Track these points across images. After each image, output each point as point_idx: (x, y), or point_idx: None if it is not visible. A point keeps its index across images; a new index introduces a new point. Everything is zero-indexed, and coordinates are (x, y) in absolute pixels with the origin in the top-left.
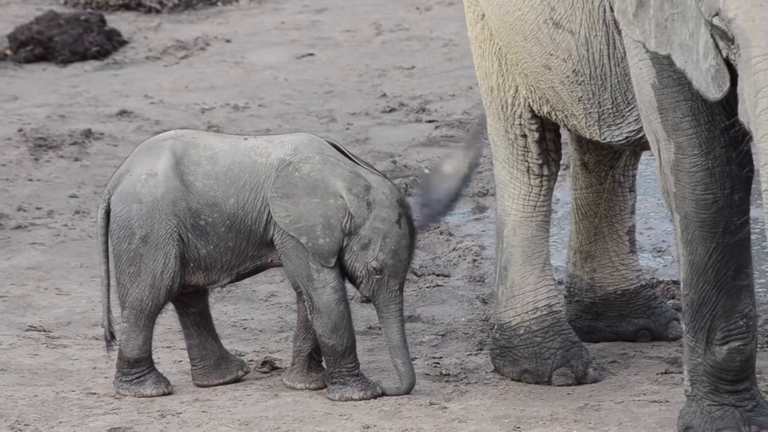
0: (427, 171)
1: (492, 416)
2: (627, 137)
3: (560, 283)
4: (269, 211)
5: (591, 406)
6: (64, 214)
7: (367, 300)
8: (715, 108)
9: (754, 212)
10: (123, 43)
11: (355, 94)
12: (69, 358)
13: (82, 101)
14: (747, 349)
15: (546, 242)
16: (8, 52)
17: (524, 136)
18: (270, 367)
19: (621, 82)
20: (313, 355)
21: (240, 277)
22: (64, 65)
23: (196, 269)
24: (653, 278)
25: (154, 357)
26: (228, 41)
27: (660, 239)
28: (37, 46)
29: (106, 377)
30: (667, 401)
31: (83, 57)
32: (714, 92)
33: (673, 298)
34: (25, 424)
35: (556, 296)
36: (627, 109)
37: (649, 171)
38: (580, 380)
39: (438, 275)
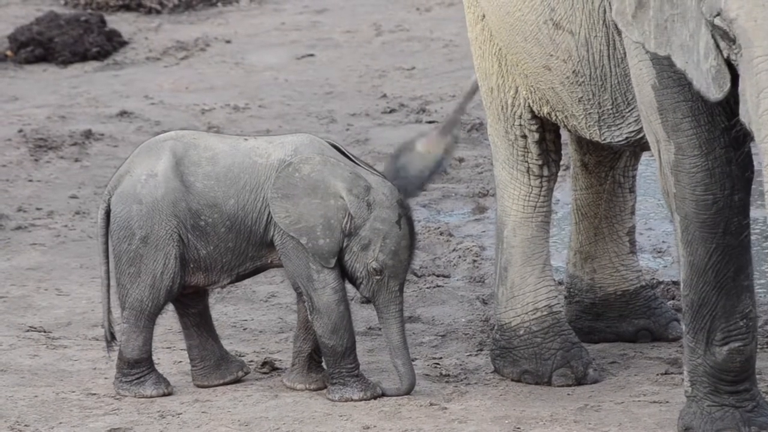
0: (399, 149)
1: (492, 417)
2: (627, 138)
3: (560, 283)
4: (269, 212)
5: (591, 407)
6: (64, 214)
7: (367, 301)
8: (715, 109)
9: (754, 213)
10: (123, 43)
11: (355, 95)
12: (69, 359)
13: (82, 102)
14: (747, 350)
15: (546, 243)
16: (8, 52)
17: (524, 136)
18: (270, 367)
19: (621, 82)
20: (313, 355)
21: (240, 278)
22: (65, 66)
23: (196, 270)
24: (653, 279)
25: (154, 357)
26: (228, 42)
27: (660, 240)
28: (38, 47)
29: (106, 378)
30: (667, 402)
31: (83, 58)
32: (715, 93)
33: (673, 299)
34: (25, 425)
35: (556, 297)
36: (627, 110)
37: (649, 172)
38: (580, 381)
39: (438, 276)
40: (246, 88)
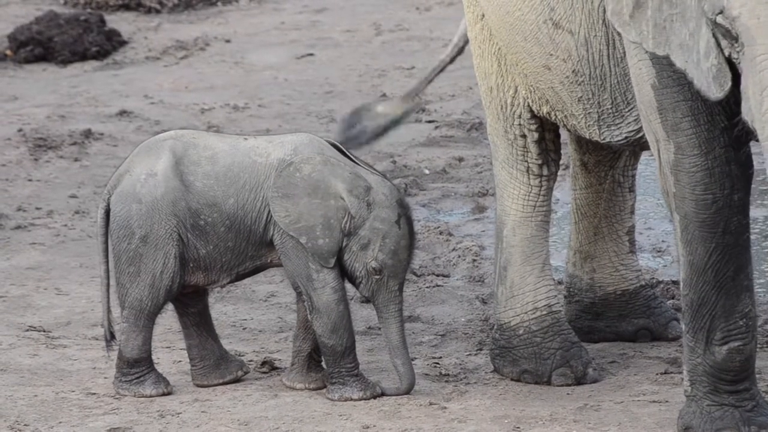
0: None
1: (491, 416)
2: (626, 137)
3: (560, 283)
4: (269, 211)
5: (590, 407)
6: (64, 214)
7: (366, 300)
8: (715, 108)
9: (754, 212)
10: (123, 43)
11: (355, 95)
12: (68, 359)
13: (81, 101)
14: (746, 349)
15: (545, 242)
16: (8, 52)
17: (524, 136)
18: (269, 367)
19: (620, 82)
20: (312, 355)
21: (240, 277)
22: (64, 65)
23: (195, 269)
24: (653, 278)
25: (153, 357)
26: (228, 41)
27: (660, 239)
28: (37, 47)
29: (105, 377)
30: (667, 401)
31: (83, 57)
32: (715, 92)
33: (672, 299)
34: (25, 425)
35: (555, 296)
36: (626, 110)
37: (648, 171)
38: (579, 380)
39: (438, 275)
40: (246, 88)
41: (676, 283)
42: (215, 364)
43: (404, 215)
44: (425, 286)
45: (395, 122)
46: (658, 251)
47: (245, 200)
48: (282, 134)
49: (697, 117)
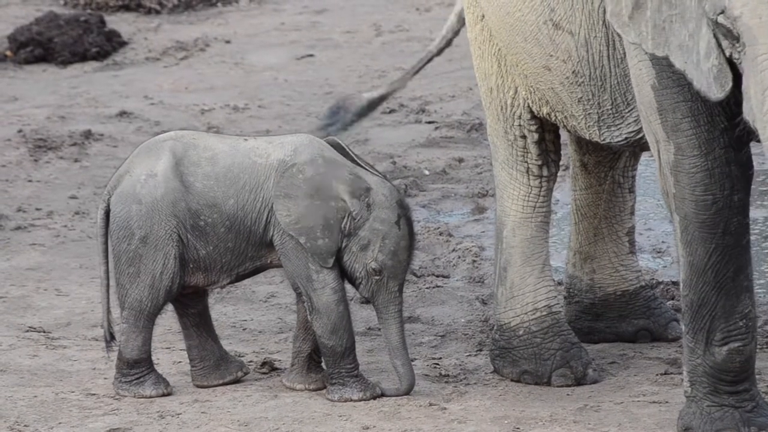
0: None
1: (491, 417)
2: (626, 138)
3: (560, 283)
4: (269, 212)
5: (590, 407)
6: (64, 215)
7: (366, 301)
8: (715, 109)
9: (754, 213)
10: (123, 44)
11: (354, 95)
12: (68, 359)
13: (81, 102)
14: (746, 350)
15: (545, 243)
16: (8, 53)
17: (524, 137)
18: (269, 367)
19: (620, 83)
20: (312, 355)
21: (240, 278)
22: (64, 66)
23: (195, 270)
24: (653, 279)
25: (153, 358)
26: (228, 42)
27: (659, 240)
28: (37, 47)
29: (105, 378)
30: (667, 402)
31: (83, 58)
32: (716, 92)
33: (672, 299)
34: (25, 425)
35: (555, 297)
36: (626, 110)
37: (648, 172)
38: (579, 381)
39: (437, 276)
40: (246, 89)
41: (675, 283)
42: (215, 365)
43: (404, 216)
44: (425, 286)
45: (373, 104)
46: (658, 252)
47: (245, 201)
48: (282, 135)
49: (697, 118)
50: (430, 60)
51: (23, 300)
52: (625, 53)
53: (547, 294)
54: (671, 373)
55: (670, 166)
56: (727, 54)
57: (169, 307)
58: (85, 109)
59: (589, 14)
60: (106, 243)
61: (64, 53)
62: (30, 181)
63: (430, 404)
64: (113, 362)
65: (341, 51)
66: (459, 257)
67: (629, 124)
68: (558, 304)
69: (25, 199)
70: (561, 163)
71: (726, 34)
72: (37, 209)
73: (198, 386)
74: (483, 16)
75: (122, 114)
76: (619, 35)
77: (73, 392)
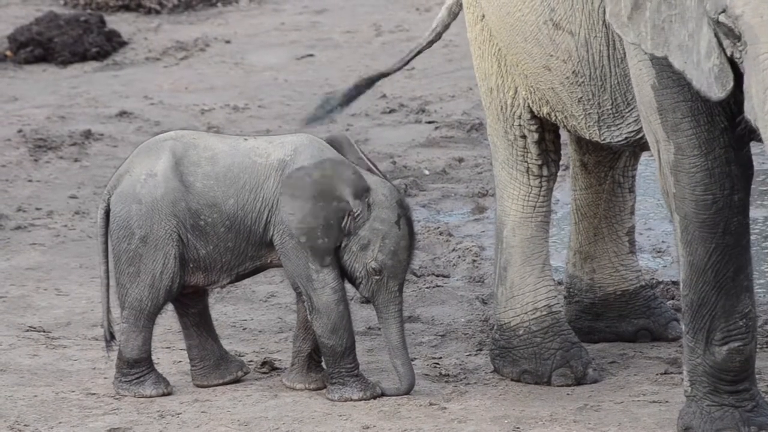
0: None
1: (491, 417)
2: (626, 138)
3: (560, 283)
4: (269, 212)
5: (590, 407)
6: (64, 214)
7: (366, 300)
8: (715, 109)
9: (754, 213)
10: (123, 44)
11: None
12: (68, 359)
13: (81, 102)
14: (746, 350)
15: (545, 243)
16: (8, 53)
17: (524, 136)
18: (269, 367)
19: (621, 83)
20: (312, 355)
21: (240, 278)
22: (64, 66)
23: (195, 270)
24: (653, 279)
25: (153, 357)
26: (228, 42)
27: (659, 240)
28: (37, 47)
29: (105, 378)
30: (667, 402)
31: (83, 58)
32: (717, 92)
33: (672, 299)
34: (25, 425)
35: (555, 297)
36: (627, 110)
37: (648, 172)
38: (579, 381)
39: (437, 276)
40: (246, 89)
41: (675, 283)
42: (215, 365)
43: (404, 216)
44: (425, 286)
45: (359, 88)
46: (658, 252)
47: (245, 201)
48: (282, 135)
49: (697, 118)
50: (419, 52)
51: (23, 300)
52: (625, 53)
53: (547, 294)
54: (671, 373)
55: (670, 165)
56: (728, 53)
57: (169, 306)
58: (85, 109)
59: (589, 14)
60: (106, 243)
61: (64, 53)
62: (30, 181)
63: (430, 404)
64: (113, 362)
65: (341, 51)
66: (459, 257)
67: (629, 123)
68: (558, 303)
69: (25, 199)
70: (561, 163)
71: (727, 33)
72: (37, 209)
73: (198, 386)
74: (483, 16)
75: (122, 114)
76: (619, 35)
77: (73, 392)
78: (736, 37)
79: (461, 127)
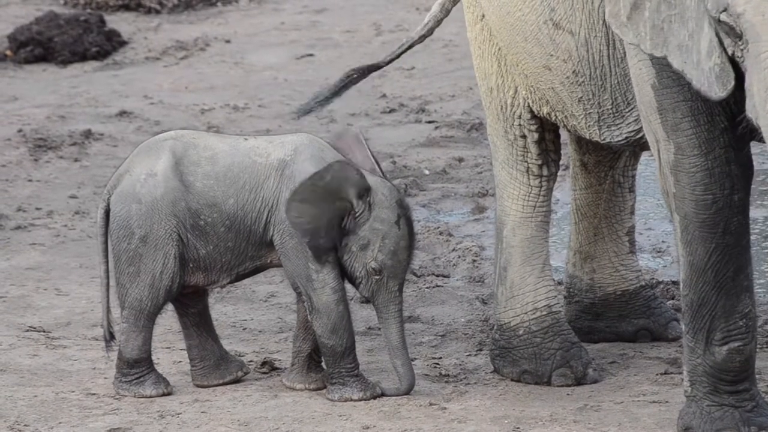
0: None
1: (491, 417)
2: (627, 138)
3: (560, 283)
4: (269, 212)
5: (590, 407)
6: (64, 214)
7: (366, 300)
8: (715, 108)
9: (754, 213)
10: (123, 43)
11: (354, 95)
12: (68, 359)
13: (81, 102)
14: (746, 350)
15: (545, 243)
16: (8, 52)
17: (524, 136)
18: (270, 367)
19: (621, 82)
20: (312, 355)
21: (239, 278)
22: (64, 66)
23: (195, 269)
24: (653, 279)
25: (153, 357)
26: (228, 42)
27: (660, 240)
28: (37, 47)
29: (105, 378)
30: (667, 402)
31: (83, 57)
32: (718, 91)
33: (672, 299)
34: (25, 425)
35: (555, 297)
36: (627, 110)
37: (648, 171)
38: (579, 381)
39: (437, 276)
40: (245, 88)
41: (676, 283)
42: (215, 365)
43: (404, 216)
44: (425, 286)
45: (349, 79)
46: (658, 252)
47: (245, 200)
48: (282, 134)
49: (697, 117)
50: (410, 47)
51: (23, 300)
52: (625, 53)
53: (547, 294)
54: (671, 373)
55: (670, 165)
56: (729, 52)
57: (169, 306)
58: (85, 108)
59: (589, 14)
60: (106, 242)
61: (64, 53)
62: (30, 180)
63: (430, 404)
64: (113, 362)
65: (341, 51)
66: (459, 257)
67: (629, 123)
68: (558, 303)
69: (25, 198)
70: (561, 162)
71: (728, 32)
72: (37, 209)
73: (198, 386)
74: (483, 16)
75: (122, 114)
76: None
77: (73, 392)
78: (737, 35)
79: (461, 126)
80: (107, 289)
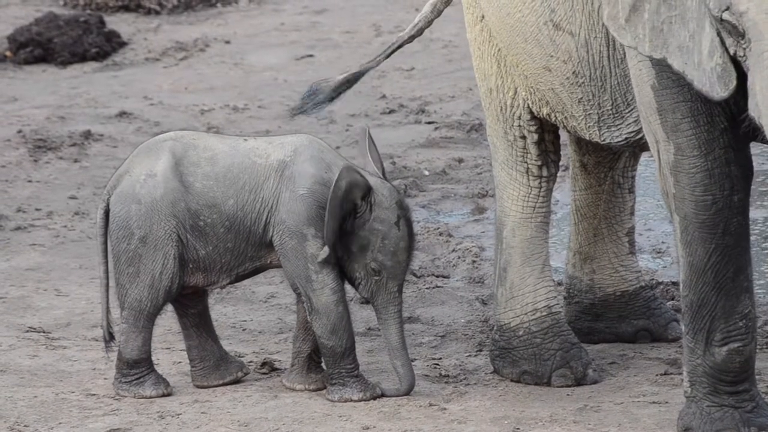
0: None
1: (491, 417)
2: (626, 138)
3: (560, 284)
4: (268, 212)
5: (590, 408)
6: (64, 215)
7: (366, 301)
8: (715, 109)
9: (754, 213)
10: (122, 44)
11: (354, 96)
12: (68, 360)
13: (81, 102)
14: (746, 351)
15: (545, 243)
16: (8, 53)
17: (523, 137)
18: (269, 368)
19: (621, 83)
20: (312, 356)
21: (239, 278)
22: (64, 66)
23: (195, 270)
24: (653, 279)
25: (153, 358)
26: (227, 42)
27: (659, 240)
28: (37, 48)
29: (105, 378)
30: (667, 402)
31: (83, 58)
32: (720, 91)
33: (672, 300)
34: (25, 425)
35: (555, 297)
36: (626, 111)
37: (648, 172)
38: (579, 381)
39: (437, 276)
40: (245, 89)
41: (675, 284)
42: (215, 365)
43: (404, 216)
44: (425, 287)
45: (346, 83)
46: (658, 252)
47: (245, 201)
48: (282, 135)
49: (697, 118)
50: (400, 46)
51: (23, 300)
52: (625, 54)
53: (546, 294)
54: (671, 374)
55: (670, 166)
56: (731, 52)
57: (169, 307)
58: (85, 109)
59: (589, 15)
60: (105, 243)
61: (64, 53)
62: (30, 181)
63: (430, 404)
64: (113, 362)
65: (341, 51)
66: (459, 257)
67: (629, 124)
68: (558, 304)
69: (25, 199)
70: (561, 163)
71: (731, 30)
72: (37, 209)
73: (198, 386)
74: (483, 17)
75: (122, 114)
76: None
77: (73, 392)
78: (739, 34)
79: (461, 127)
80: (107, 290)
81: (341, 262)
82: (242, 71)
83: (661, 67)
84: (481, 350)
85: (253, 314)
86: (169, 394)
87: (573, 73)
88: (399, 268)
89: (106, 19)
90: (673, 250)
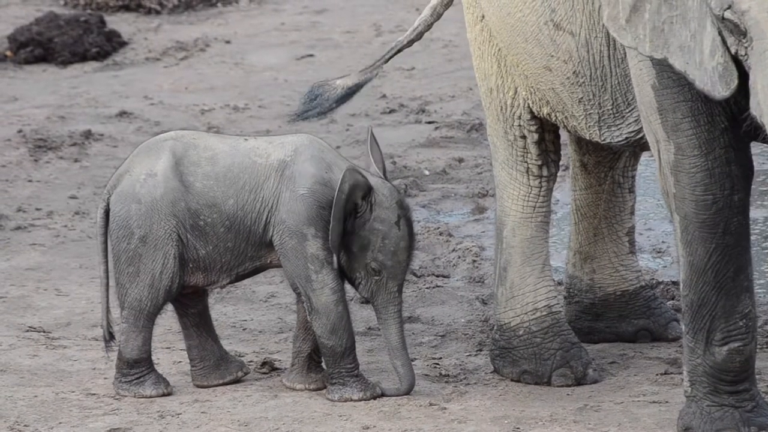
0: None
1: (491, 417)
2: (627, 138)
3: (560, 283)
4: (268, 212)
5: (590, 407)
6: (64, 215)
7: (366, 301)
8: (715, 109)
9: (754, 213)
10: (123, 44)
11: (354, 96)
12: (68, 359)
13: (81, 102)
14: (746, 350)
15: (545, 243)
16: (8, 53)
17: (523, 137)
18: (270, 367)
19: (621, 83)
20: (312, 355)
21: (239, 278)
22: (64, 66)
23: (195, 270)
24: (653, 279)
25: (153, 358)
26: (228, 42)
27: (660, 240)
28: (37, 47)
29: (105, 378)
30: (667, 402)
31: (83, 58)
32: (721, 90)
33: (672, 299)
34: (25, 425)
35: (555, 297)
36: (627, 110)
37: (648, 172)
38: (579, 381)
39: (437, 276)
40: (246, 89)
41: (676, 283)
42: (215, 365)
43: (404, 216)
44: (425, 286)
45: (350, 92)
46: (658, 252)
47: (245, 201)
48: (282, 135)
49: (698, 118)
50: (400, 50)
51: (23, 300)
52: (625, 53)
53: (547, 294)
54: (671, 373)
55: (671, 166)
56: (733, 51)
57: (169, 307)
58: (85, 109)
59: (589, 15)
60: (105, 242)
61: (64, 53)
62: (30, 181)
63: (430, 404)
64: (113, 362)
65: (341, 51)
66: (459, 257)
67: (630, 124)
68: (558, 304)
69: (25, 199)
70: (561, 163)
71: (733, 29)
72: (37, 209)
73: (198, 386)
74: (483, 17)
75: (122, 114)
76: None
77: (73, 392)
78: (741, 33)
79: (461, 127)
80: (107, 290)
81: (341, 262)
82: (242, 71)
83: (661, 66)
84: (481, 350)
85: (253, 314)
86: (169, 394)
87: (573, 72)
88: (399, 267)
89: (106, 18)
90: (673, 249)
